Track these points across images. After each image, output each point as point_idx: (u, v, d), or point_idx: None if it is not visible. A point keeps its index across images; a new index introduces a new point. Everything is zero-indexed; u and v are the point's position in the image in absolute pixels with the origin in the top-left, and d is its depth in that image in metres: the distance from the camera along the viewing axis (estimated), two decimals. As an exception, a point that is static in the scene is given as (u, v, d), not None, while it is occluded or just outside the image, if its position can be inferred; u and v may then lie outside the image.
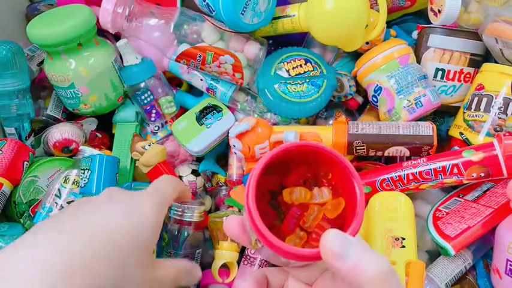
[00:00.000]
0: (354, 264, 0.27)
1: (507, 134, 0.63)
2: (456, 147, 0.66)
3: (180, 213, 0.64)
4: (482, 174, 0.60)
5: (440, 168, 0.61)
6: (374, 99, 0.69)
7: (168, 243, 0.64)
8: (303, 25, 0.65)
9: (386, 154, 0.65)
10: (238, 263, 0.66)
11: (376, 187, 0.64)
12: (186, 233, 0.64)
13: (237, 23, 0.61)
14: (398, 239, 0.57)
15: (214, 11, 0.62)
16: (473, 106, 0.66)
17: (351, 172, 0.29)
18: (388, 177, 0.63)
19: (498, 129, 0.64)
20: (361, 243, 0.29)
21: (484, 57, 0.70)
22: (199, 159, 0.75)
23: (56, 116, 0.73)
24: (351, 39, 0.65)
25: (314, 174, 0.32)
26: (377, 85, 0.68)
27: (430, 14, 0.69)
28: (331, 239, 0.27)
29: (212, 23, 0.64)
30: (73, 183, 0.64)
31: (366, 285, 0.27)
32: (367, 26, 0.66)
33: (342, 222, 0.31)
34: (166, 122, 0.73)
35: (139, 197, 0.41)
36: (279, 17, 0.66)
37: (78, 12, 0.64)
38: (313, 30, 0.65)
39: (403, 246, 0.57)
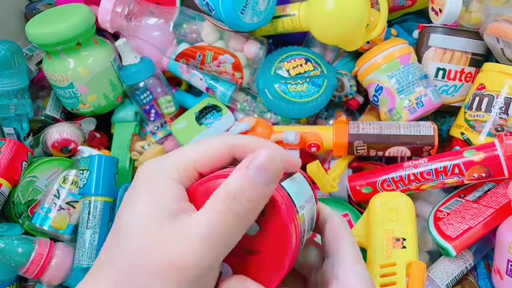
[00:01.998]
0: None
1: (508, 133, 0.63)
2: (457, 148, 0.66)
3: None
4: (484, 175, 0.60)
5: (441, 169, 0.61)
6: (375, 98, 0.69)
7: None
8: (303, 24, 0.65)
9: (387, 154, 0.64)
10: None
11: (377, 187, 0.64)
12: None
13: (236, 22, 0.61)
14: (399, 239, 0.57)
15: (213, 10, 0.62)
16: (474, 106, 0.66)
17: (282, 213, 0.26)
18: (388, 178, 0.63)
19: (499, 129, 0.64)
20: None
21: (485, 56, 0.69)
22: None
23: (55, 116, 0.73)
24: (351, 38, 0.65)
25: None
26: (378, 85, 0.67)
27: (431, 14, 0.68)
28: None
29: (212, 22, 0.64)
30: (72, 183, 0.64)
31: None
32: (367, 25, 0.65)
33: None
34: (165, 122, 0.73)
35: None
36: (279, 16, 0.66)
37: (77, 11, 0.64)
38: (314, 30, 0.65)
39: (404, 247, 0.56)
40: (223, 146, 0.28)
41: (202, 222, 0.24)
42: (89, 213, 0.61)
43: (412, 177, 0.62)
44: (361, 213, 0.65)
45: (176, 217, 0.24)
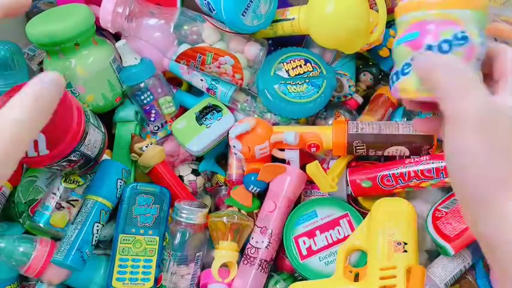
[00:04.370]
0: None
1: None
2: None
3: (183, 214, 0.64)
4: None
5: (442, 167, 0.61)
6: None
7: (169, 243, 0.64)
8: (303, 28, 0.65)
9: (386, 154, 0.65)
10: (238, 262, 0.66)
11: (377, 182, 0.64)
12: (188, 234, 0.64)
13: (237, 24, 0.61)
14: (401, 243, 0.57)
15: (214, 10, 0.62)
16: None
17: None
18: (389, 173, 0.63)
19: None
20: None
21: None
22: (199, 159, 0.75)
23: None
24: (351, 42, 0.65)
25: None
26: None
27: (430, 14, 0.69)
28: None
29: (212, 24, 0.64)
30: (73, 182, 0.64)
31: None
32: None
33: None
34: (166, 122, 0.73)
35: None
36: (278, 20, 0.66)
37: (76, 11, 0.64)
38: (313, 34, 0.65)
39: (405, 251, 0.57)
40: None
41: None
42: (79, 210, 0.61)
43: (412, 174, 0.62)
44: (360, 212, 0.65)
45: None
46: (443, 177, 0.61)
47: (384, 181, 0.64)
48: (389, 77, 0.41)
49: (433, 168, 0.62)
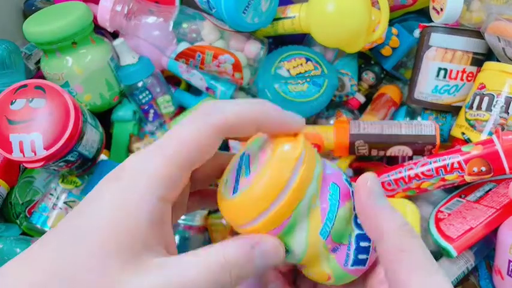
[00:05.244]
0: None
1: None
2: (458, 147, 0.66)
3: (182, 216, 0.64)
4: (484, 169, 0.59)
5: (441, 164, 0.60)
6: None
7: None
8: (304, 26, 0.65)
9: (388, 154, 0.64)
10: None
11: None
12: (187, 236, 0.64)
13: (238, 22, 0.61)
14: None
15: (214, 8, 0.61)
16: (474, 105, 0.66)
17: None
18: (389, 177, 0.63)
19: (500, 128, 0.64)
20: None
21: (487, 56, 0.69)
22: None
23: (53, 115, 0.72)
24: (352, 40, 0.64)
25: None
26: None
27: (432, 13, 0.68)
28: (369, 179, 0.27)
29: (212, 22, 0.64)
30: (71, 183, 0.63)
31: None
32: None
33: None
34: (164, 122, 0.72)
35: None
36: (279, 18, 0.66)
37: (73, 10, 0.64)
38: (314, 32, 0.64)
39: None
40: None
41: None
42: None
43: (412, 175, 0.62)
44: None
45: (138, 259, 0.21)
46: (443, 175, 0.61)
47: (385, 186, 0.63)
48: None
49: (432, 167, 0.61)
